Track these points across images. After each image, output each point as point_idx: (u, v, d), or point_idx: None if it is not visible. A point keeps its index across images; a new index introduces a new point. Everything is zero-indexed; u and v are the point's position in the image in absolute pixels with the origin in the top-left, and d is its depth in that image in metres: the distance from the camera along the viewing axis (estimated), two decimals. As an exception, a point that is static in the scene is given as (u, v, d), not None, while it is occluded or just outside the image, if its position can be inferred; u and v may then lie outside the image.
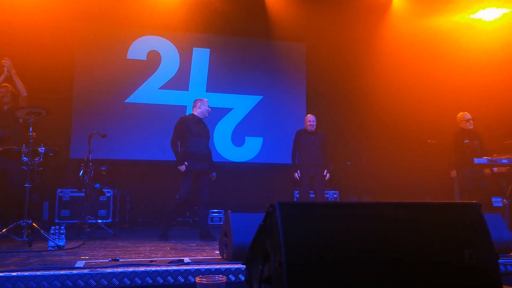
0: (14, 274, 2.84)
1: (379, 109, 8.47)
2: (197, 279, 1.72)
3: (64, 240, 4.35)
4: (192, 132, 5.45)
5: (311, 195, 6.66)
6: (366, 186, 8.35)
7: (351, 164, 8.55)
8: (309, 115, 6.78)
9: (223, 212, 7.98)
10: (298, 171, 6.45)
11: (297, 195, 7.88)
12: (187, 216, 7.93)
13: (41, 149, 4.59)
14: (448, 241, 1.79)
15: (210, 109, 5.71)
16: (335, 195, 8.00)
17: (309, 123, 6.59)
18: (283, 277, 1.68)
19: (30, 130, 4.50)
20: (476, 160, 5.37)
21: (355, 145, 8.69)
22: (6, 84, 5.46)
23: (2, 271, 2.92)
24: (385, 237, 1.88)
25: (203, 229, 5.47)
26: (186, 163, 5.37)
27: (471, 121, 6.33)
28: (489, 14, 7.90)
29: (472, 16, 8.05)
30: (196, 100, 5.75)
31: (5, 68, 5.39)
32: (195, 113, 5.64)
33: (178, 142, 5.55)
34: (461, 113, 6.51)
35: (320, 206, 1.92)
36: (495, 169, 5.73)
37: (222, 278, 1.71)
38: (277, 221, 1.79)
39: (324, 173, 6.45)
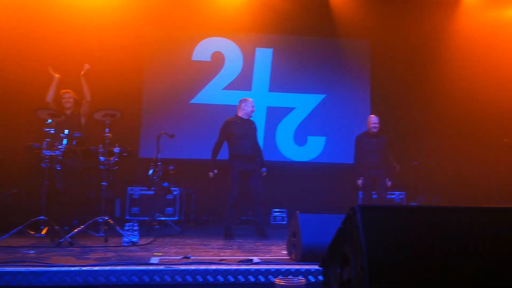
0: (96, 268, 3.01)
1: (448, 106, 8.12)
2: (277, 281, 1.73)
3: (138, 236, 4.54)
4: (235, 134, 5.61)
5: (373, 196, 6.50)
6: (434, 187, 8.03)
7: (418, 164, 8.25)
8: (373, 116, 6.63)
9: (285, 211, 7.98)
10: (361, 178, 6.39)
11: (361, 196, 7.72)
12: (249, 215, 7.99)
13: (116, 149, 4.81)
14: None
15: (254, 109, 5.79)
16: (401, 196, 7.76)
17: (373, 125, 6.48)
18: (365, 281, 1.65)
19: (106, 131, 4.74)
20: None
21: (422, 144, 8.37)
22: (69, 90, 5.76)
23: (84, 265, 3.10)
24: (469, 242, 1.81)
25: (258, 227, 5.61)
26: (215, 171, 5.80)
27: None
28: None
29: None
30: (240, 100, 5.86)
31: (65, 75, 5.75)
32: (239, 114, 5.76)
33: (225, 144, 5.80)
34: None
35: (401, 210, 1.88)
36: None
37: (301, 280, 1.71)
38: (357, 224, 1.77)
39: (387, 181, 6.39)
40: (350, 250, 1.82)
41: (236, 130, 5.62)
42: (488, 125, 7.40)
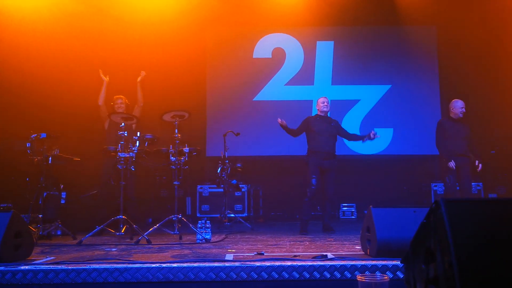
0: (175, 265, 3.11)
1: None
2: (359, 278, 1.70)
3: (210, 233, 4.65)
4: (313, 130, 5.80)
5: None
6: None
7: (495, 153, 7.80)
8: (458, 100, 6.13)
9: (354, 206, 7.86)
10: (452, 160, 5.83)
11: (434, 188, 7.43)
12: (318, 210, 7.93)
13: (186, 149, 4.95)
14: None
15: (324, 104, 5.88)
16: (478, 187, 7.37)
17: (460, 110, 5.99)
18: (455, 278, 1.58)
19: (176, 131, 4.89)
20: None
21: (499, 132, 7.90)
22: (121, 96, 6.02)
23: (164, 262, 3.22)
24: None
25: (324, 222, 5.72)
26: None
27: None
28: None
29: None
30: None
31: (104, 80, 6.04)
32: (318, 113, 5.97)
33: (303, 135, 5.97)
34: None
35: (488, 203, 1.79)
36: None
37: (385, 277, 1.67)
38: (443, 218, 1.70)
39: (476, 163, 5.97)
40: (435, 246, 1.76)
41: (315, 127, 5.80)
42: None
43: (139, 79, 6.09)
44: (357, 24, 8.52)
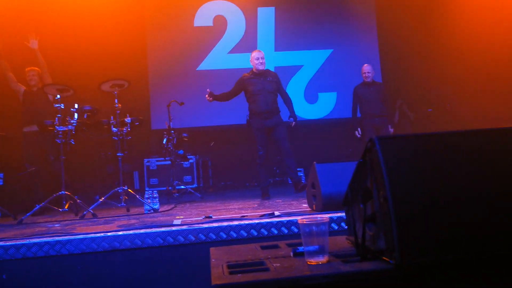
0: (120, 233, 3.04)
1: (459, 51, 7.89)
2: (299, 220, 1.72)
3: (158, 203, 4.59)
4: (248, 91, 5.47)
5: None
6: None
7: (432, 110, 8.13)
8: (365, 65, 6.57)
9: (302, 170, 7.96)
10: (359, 129, 6.37)
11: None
12: (278, 174, 8.03)
13: (128, 119, 4.80)
14: None
15: (258, 61, 5.39)
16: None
17: (364, 74, 6.45)
18: (389, 211, 1.62)
19: (116, 101, 4.72)
20: None
21: (435, 90, 8.21)
22: (33, 68, 5.76)
23: (109, 231, 3.14)
24: (497, 164, 1.76)
25: (294, 180, 5.40)
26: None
27: None
28: None
29: None
30: None
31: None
32: (253, 69, 5.52)
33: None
34: None
35: (421, 138, 1.84)
36: None
37: (324, 218, 1.70)
38: (377, 155, 1.73)
39: (389, 128, 6.41)
40: (372, 184, 1.80)
41: (250, 86, 5.43)
42: (505, 67, 7.18)
43: (34, 46, 5.69)
44: (297, -11, 8.49)
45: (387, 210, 1.63)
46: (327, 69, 8.47)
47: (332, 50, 8.51)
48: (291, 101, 5.68)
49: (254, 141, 5.52)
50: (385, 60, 8.57)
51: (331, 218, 3.18)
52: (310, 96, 8.42)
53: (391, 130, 6.48)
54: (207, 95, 5.55)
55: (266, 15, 8.48)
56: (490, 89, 7.54)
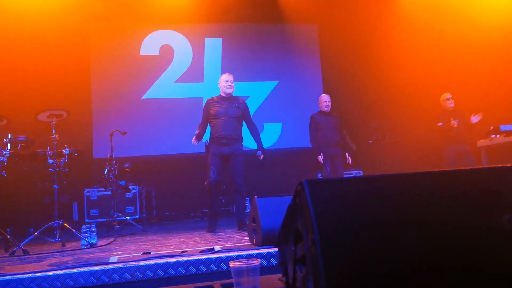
0: (51, 273, 2.90)
1: (398, 85, 8.31)
2: (231, 264, 1.72)
3: (96, 237, 4.43)
4: (211, 114, 5.17)
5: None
6: (390, 164, 8.24)
7: (373, 142, 8.44)
8: (323, 95, 6.64)
9: (247, 200, 7.99)
10: (322, 153, 6.36)
11: (321, 177, 7.83)
12: (223, 203, 7.98)
13: (66, 150, 4.65)
14: (486, 207, 1.74)
15: (227, 83, 5.18)
16: (359, 175, 7.92)
17: (324, 103, 6.47)
18: (317, 254, 1.66)
19: (53, 132, 4.57)
20: (502, 127, 5.26)
21: (376, 123, 8.56)
22: None
23: (39, 271, 2.98)
24: (420, 208, 1.85)
25: (237, 218, 5.13)
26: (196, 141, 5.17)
27: (451, 100, 6.65)
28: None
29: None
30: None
31: None
32: (221, 93, 5.28)
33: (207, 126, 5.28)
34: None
35: (349, 181, 1.90)
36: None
37: (255, 261, 1.71)
38: (307, 198, 1.77)
39: (347, 156, 6.50)
40: (302, 226, 1.83)
41: (214, 109, 5.14)
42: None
43: None
44: (244, 21, 8.67)
45: (315, 253, 1.67)
46: (273, 100, 8.63)
47: (277, 82, 8.70)
48: (258, 132, 5.45)
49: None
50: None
51: (270, 253, 3.19)
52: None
53: (349, 160, 6.56)
54: (193, 141, 5.18)
55: (213, 46, 8.58)
56: (426, 120, 7.94)
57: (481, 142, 6.37)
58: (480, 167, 1.91)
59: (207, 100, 5.33)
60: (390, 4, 8.52)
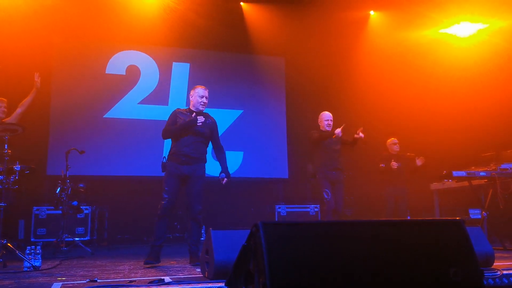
0: (-13, 298, 2.74)
1: (359, 121, 8.51)
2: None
3: (40, 260, 4.23)
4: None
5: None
6: (347, 200, 8.34)
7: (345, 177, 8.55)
8: (325, 112, 6.01)
9: (203, 227, 7.89)
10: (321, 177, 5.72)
11: (278, 209, 7.84)
12: (177, 229, 7.82)
13: (17, 167, 4.47)
14: (433, 259, 1.79)
15: (203, 101, 4.68)
16: (316, 209, 7.98)
17: (326, 122, 5.86)
18: (267, 299, 1.64)
19: (5, 147, 4.39)
20: (455, 173, 5.45)
21: (345, 157, 8.69)
22: (3, 98, 5.46)
23: (-26, 295, 2.81)
24: (370, 256, 1.87)
25: (191, 250, 4.57)
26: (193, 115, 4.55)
27: (397, 145, 6.96)
28: (464, 30, 8.10)
29: (447, 31, 8.24)
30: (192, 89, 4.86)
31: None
32: (190, 106, 4.78)
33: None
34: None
35: (303, 226, 1.91)
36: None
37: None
38: (261, 241, 1.77)
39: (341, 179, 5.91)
40: (254, 268, 1.81)
41: (181, 122, 4.59)
42: (400, 138, 7.84)
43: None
44: (213, 48, 8.75)
45: (265, 297, 1.65)
46: (236, 128, 8.66)
47: (242, 110, 8.76)
48: (225, 155, 4.92)
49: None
50: (291, 125, 8.99)
51: (221, 287, 3.13)
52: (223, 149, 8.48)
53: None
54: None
55: (180, 70, 8.58)
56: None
57: (434, 186, 6.59)
58: (429, 218, 1.96)
59: (175, 110, 4.76)
60: (359, 41, 8.83)
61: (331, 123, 5.88)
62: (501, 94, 7.09)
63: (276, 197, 8.58)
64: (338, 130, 5.68)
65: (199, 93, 4.68)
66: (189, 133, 4.55)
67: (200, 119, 4.53)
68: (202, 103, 4.67)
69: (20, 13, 7.01)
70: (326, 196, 5.69)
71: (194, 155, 4.58)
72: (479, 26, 7.88)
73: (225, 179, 4.80)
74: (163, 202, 4.49)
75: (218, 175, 4.86)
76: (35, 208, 6.82)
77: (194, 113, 4.60)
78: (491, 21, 7.71)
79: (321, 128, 5.94)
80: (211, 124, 4.77)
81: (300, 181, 8.72)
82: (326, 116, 5.95)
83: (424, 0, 7.61)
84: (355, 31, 8.79)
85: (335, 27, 8.44)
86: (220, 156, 4.89)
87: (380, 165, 6.80)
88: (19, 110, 5.56)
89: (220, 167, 4.85)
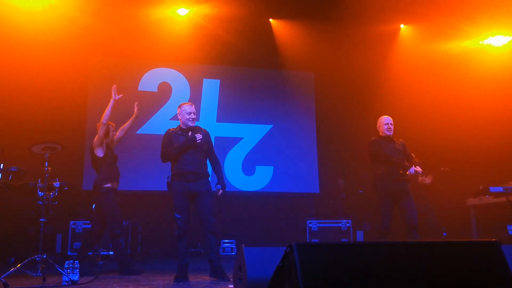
0: (30, 313, 2.84)
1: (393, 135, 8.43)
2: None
3: (78, 274, 4.35)
4: (173, 147, 4.68)
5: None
6: (365, 215, 8.24)
7: (363, 192, 8.48)
8: (384, 116, 5.50)
9: (234, 242, 7.92)
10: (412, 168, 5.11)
11: (310, 225, 7.80)
12: (198, 246, 7.89)
13: (56, 184, 4.63)
14: (469, 281, 1.77)
15: (192, 117, 4.78)
16: (348, 224, 7.90)
17: (386, 126, 5.34)
18: (303, 320, 1.66)
19: (46, 165, 4.57)
20: (492, 189, 5.32)
21: (367, 172, 8.61)
22: (112, 123, 5.66)
23: (18, 310, 2.93)
24: (406, 279, 1.87)
25: (213, 264, 4.62)
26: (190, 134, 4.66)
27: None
28: (497, 40, 7.98)
29: (481, 42, 8.12)
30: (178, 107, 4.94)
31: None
32: (180, 124, 4.89)
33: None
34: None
35: (337, 247, 1.92)
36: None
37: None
38: (295, 262, 1.79)
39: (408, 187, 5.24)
40: (289, 288, 1.84)
41: (176, 142, 4.69)
42: (427, 153, 7.73)
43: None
44: (243, 65, 8.88)
45: (300, 318, 1.67)
46: (266, 143, 8.72)
47: (272, 125, 8.81)
48: (221, 166, 5.01)
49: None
50: (321, 140, 8.97)
51: (254, 305, 3.16)
52: (248, 168, 8.56)
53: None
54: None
55: (211, 86, 8.73)
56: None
57: (470, 201, 6.44)
58: (465, 240, 1.94)
59: (168, 131, 4.86)
60: (390, 54, 8.77)
61: (392, 127, 5.33)
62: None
63: (307, 212, 8.55)
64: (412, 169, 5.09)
65: (186, 110, 4.77)
66: (189, 149, 4.63)
67: (198, 136, 4.62)
68: (191, 119, 4.76)
69: (55, 33, 7.25)
70: (382, 214, 5.06)
71: (199, 171, 4.67)
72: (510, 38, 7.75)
73: (221, 190, 4.83)
74: (178, 223, 4.58)
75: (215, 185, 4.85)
76: (71, 222, 7.03)
77: (190, 131, 4.71)
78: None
79: (380, 134, 5.40)
80: (207, 138, 4.84)
81: (331, 196, 8.66)
82: (385, 120, 5.39)
83: (453, 12, 7.52)
84: (385, 45, 8.73)
85: (364, 41, 8.43)
86: (217, 168, 4.94)
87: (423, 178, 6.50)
88: (119, 134, 5.80)
89: (216, 178, 4.89)
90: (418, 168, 5.07)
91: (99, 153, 5.35)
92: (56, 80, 7.31)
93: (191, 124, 4.77)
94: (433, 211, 6.61)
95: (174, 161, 4.72)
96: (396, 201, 5.14)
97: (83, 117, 7.93)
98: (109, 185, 5.28)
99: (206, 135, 4.83)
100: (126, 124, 5.82)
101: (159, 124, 8.29)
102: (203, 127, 4.98)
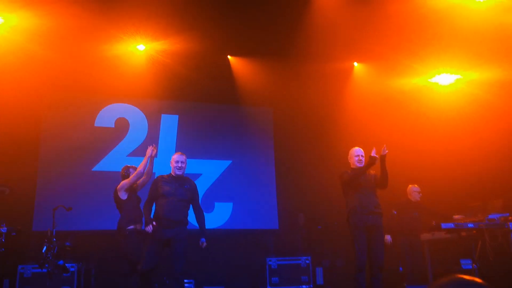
0: None
1: (348, 168, 8.56)
2: None
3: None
4: (159, 193, 5.05)
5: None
6: (338, 250, 8.27)
7: (322, 228, 8.52)
8: (356, 148, 5.41)
9: (193, 282, 7.72)
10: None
11: (270, 262, 7.72)
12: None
13: (3, 229, 4.41)
14: None
15: (178, 164, 5.14)
16: (307, 261, 7.84)
17: (356, 158, 5.23)
18: None
19: (-9, 209, 4.34)
20: (443, 225, 5.46)
21: (325, 207, 8.70)
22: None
23: None
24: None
25: None
26: (153, 223, 4.88)
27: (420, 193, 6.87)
28: (444, 79, 8.38)
29: (429, 80, 8.50)
30: None
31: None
32: (171, 171, 5.27)
33: (153, 205, 5.15)
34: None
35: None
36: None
37: None
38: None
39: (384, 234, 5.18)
40: None
41: (163, 188, 5.04)
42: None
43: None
44: (201, 100, 8.87)
45: None
46: (225, 179, 8.66)
47: (231, 161, 8.79)
48: (204, 219, 5.30)
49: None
50: (280, 175, 9.01)
51: None
52: (207, 204, 8.43)
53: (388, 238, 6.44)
54: (149, 229, 4.92)
55: (169, 122, 8.66)
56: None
57: (424, 236, 6.58)
58: None
59: (157, 178, 5.26)
60: (345, 90, 9.01)
61: (363, 158, 5.19)
62: (486, 143, 7.24)
63: (267, 249, 8.47)
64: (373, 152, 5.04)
65: (175, 159, 5.20)
66: (172, 198, 4.98)
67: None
68: (178, 167, 5.14)
69: (8, 66, 7.02)
70: (357, 248, 4.90)
71: (177, 219, 4.98)
72: (457, 76, 8.16)
73: (204, 243, 5.18)
74: (142, 266, 4.82)
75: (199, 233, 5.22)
76: (20, 266, 6.66)
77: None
78: (466, 73, 8.00)
79: (351, 166, 5.27)
80: (192, 189, 5.22)
81: (291, 232, 8.65)
82: (356, 152, 5.30)
83: (403, 51, 7.84)
84: (340, 81, 8.98)
85: (320, 78, 8.65)
86: (200, 220, 5.28)
87: (392, 211, 6.70)
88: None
89: (199, 229, 5.27)
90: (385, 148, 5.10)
91: (123, 195, 5.57)
92: (7, 116, 7.03)
93: (178, 172, 5.14)
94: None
95: (156, 206, 5.07)
96: (367, 235, 5.00)
97: (36, 153, 7.63)
98: (132, 227, 5.41)
99: (192, 188, 5.23)
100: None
101: (116, 160, 8.10)
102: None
